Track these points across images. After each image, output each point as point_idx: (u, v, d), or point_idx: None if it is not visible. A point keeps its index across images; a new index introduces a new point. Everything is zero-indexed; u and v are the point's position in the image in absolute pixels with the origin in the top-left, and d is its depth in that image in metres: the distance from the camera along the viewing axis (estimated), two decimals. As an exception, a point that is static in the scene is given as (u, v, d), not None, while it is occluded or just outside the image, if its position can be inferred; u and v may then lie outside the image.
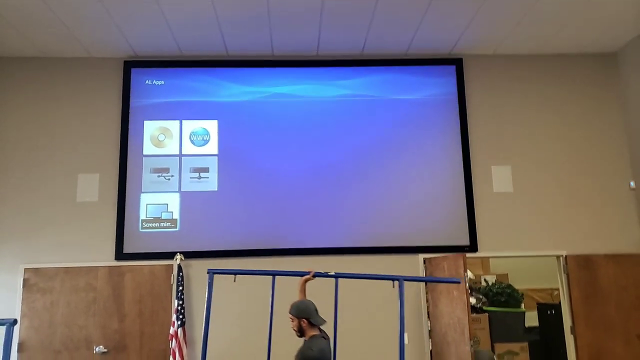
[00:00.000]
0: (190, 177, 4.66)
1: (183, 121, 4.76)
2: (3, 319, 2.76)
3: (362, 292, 4.51)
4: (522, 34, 4.62)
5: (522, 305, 5.65)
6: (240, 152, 4.72)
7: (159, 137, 4.73)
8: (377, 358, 4.40)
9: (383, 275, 3.16)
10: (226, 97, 4.82)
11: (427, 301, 4.53)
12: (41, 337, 4.30)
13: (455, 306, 4.03)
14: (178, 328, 4.20)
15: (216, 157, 4.70)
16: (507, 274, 6.15)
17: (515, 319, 5.39)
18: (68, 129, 4.71)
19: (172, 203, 4.60)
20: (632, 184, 4.78)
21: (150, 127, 4.74)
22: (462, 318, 3.93)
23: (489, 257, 5.57)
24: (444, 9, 4.17)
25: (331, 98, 4.86)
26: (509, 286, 5.66)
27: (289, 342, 2.82)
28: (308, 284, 3.26)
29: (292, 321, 2.88)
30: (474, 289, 5.65)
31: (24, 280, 4.39)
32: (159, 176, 4.65)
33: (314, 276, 3.17)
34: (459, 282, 2.90)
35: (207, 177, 4.67)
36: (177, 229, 4.55)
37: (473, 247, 4.61)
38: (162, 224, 4.55)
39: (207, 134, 4.75)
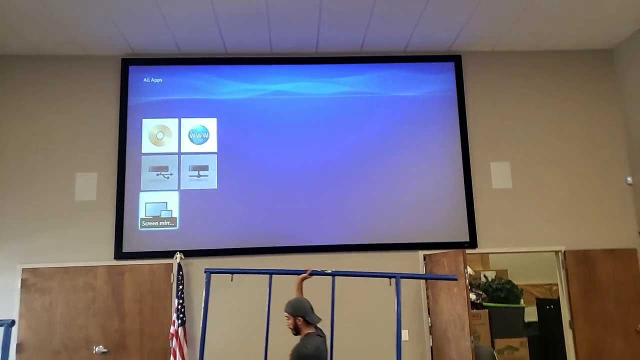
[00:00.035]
0: (190, 176, 4.64)
1: (182, 119, 4.74)
2: (1, 320, 2.74)
3: (361, 289, 4.51)
4: (520, 30, 4.63)
5: (522, 300, 5.68)
6: (239, 150, 4.70)
7: (157, 135, 4.71)
8: (376, 355, 4.40)
9: (380, 272, 3.16)
10: (225, 94, 4.80)
11: (427, 297, 4.54)
12: (40, 337, 4.26)
13: (455, 302, 4.04)
14: (178, 327, 4.18)
15: (215, 155, 4.69)
16: (506, 270, 6.18)
17: (514, 315, 5.41)
18: (65, 128, 4.68)
19: (172, 201, 4.57)
20: (630, 179, 4.81)
21: (149, 125, 4.71)
22: (462, 314, 3.94)
23: (488, 253, 5.59)
24: (442, 5, 4.17)
25: (330, 95, 4.85)
26: (509, 282, 5.69)
27: (287, 341, 2.82)
28: (307, 282, 3.25)
29: (288, 319, 2.88)
30: (473, 285, 5.67)
31: (22, 280, 4.35)
32: (158, 174, 4.63)
33: (311, 274, 3.16)
34: (456, 279, 2.91)
35: (207, 175, 4.65)
36: (177, 228, 4.53)
37: (473, 243, 4.62)
38: (162, 223, 4.53)
39: (206, 131, 4.73)
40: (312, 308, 2.91)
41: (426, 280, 4.54)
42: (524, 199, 4.76)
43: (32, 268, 4.39)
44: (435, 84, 4.91)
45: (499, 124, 4.89)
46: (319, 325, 2.94)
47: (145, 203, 4.56)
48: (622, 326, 4.45)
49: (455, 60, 4.95)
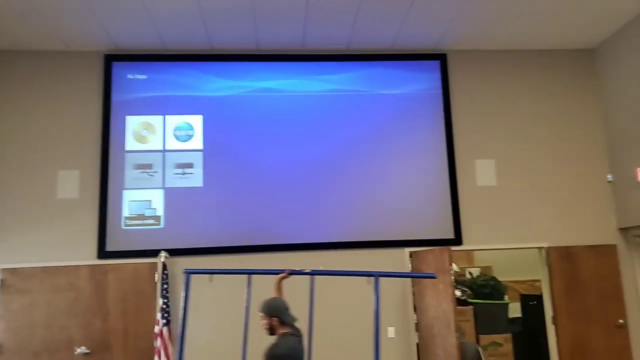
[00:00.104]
0: (174, 173, 4.58)
1: (166, 116, 4.68)
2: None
3: (344, 287, 4.51)
4: (504, 30, 4.69)
5: (506, 297, 5.75)
6: (225, 148, 4.66)
7: (141, 132, 4.64)
8: (360, 352, 4.41)
9: (358, 271, 3.16)
10: (210, 91, 4.75)
11: (413, 294, 4.56)
12: (20, 338, 4.17)
13: (441, 299, 4.07)
14: (163, 327, 4.13)
15: (201, 153, 4.64)
16: (491, 266, 6.26)
17: (499, 311, 5.48)
18: (47, 125, 4.58)
19: (156, 200, 4.51)
20: (610, 177, 4.91)
21: (133, 123, 4.64)
22: (448, 311, 3.97)
23: (473, 250, 5.65)
24: (428, 4, 4.19)
25: (316, 93, 4.84)
26: (493, 278, 5.76)
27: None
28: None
29: (263, 319, 2.86)
30: (459, 281, 5.72)
31: (1, 280, 4.25)
32: (142, 172, 4.56)
33: (290, 274, 3.15)
34: (434, 277, 2.92)
35: (192, 173, 4.60)
36: (161, 226, 4.47)
37: (458, 240, 4.66)
38: (146, 221, 4.47)
39: (192, 129, 4.68)
40: (287, 308, 2.89)
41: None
42: (508, 196, 4.81)
43: (12, 268, 4.28)
44: (421, 82, 4.94)
45: (484, 122, 4.95)
46: (296, 324, 2.92)
47: (129, 201, 4.49)
48: (603, 321, 4.54)
49: (441, 58, 4.99)
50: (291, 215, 4.58)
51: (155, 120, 4.66)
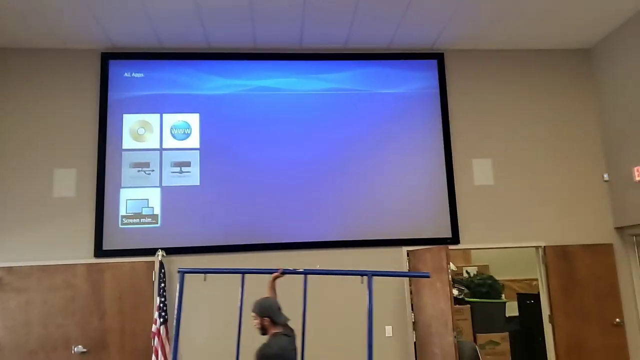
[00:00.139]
0: (172, 172, 4.57)
1: (164, 114, 4.67)
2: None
3: (340, 287, 4.51)
4: (501, 30, 4.70)
5: (503, 295, 5.76)
6: (222, 146, 4.65)
7: (138, 130, 4.63)
8: (356, 351, 4.41)
9: (352, 270, 3.16)
10: (208, 90, 4.75)
11: (410, 293, 4.57)
12: (16, 337, 4.16)
13: (438, 298, 4.07)
14: (160, 325, 4.13)
15: (198, 151, 4.63)
16: (488, 265, 6.26)
17: (496, 310, 5.49)
18: (43, 123, 4.56)
19: (153, 198, 4.50)
20: (606, 176, 4.92)
21: (130, 121, 4.63)
22: (445, 310, 3.97)
23: (470, 249, 5.65)
24: (425, 4, 4.20)
25: (314, 92, 4.84)
26: (490, 277, 5.77)
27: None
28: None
29: (255, 319, 2.86)
30: (456, 280, 5.73)
31: (-3, 279, 4.24)
32: (139, 171, 4.55)
33: (283, 273, 3.15)
34: (428, 277, 2.92)
35: (189, 172, 4.59)
36: (159, 225, 4.46)
37: (455, 239, 4.67)
38: (143, 220, 4.46)
39: (189, 127, 4.67)
40: (279, 308, 2.88)
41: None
42: (505, 196, 4.83)
43: (8, 266, 4.27)
44: (419, 82, 4.94)
45: (481, 122, 4.96)
46: (289, 324, 2.92)
47: (126, 200, 4.48)
48: (600, 320, 4.55)
49: (438, 57, 5.00)
50: (288, 214, 4.58)
51: (153, 118, 4.65)
